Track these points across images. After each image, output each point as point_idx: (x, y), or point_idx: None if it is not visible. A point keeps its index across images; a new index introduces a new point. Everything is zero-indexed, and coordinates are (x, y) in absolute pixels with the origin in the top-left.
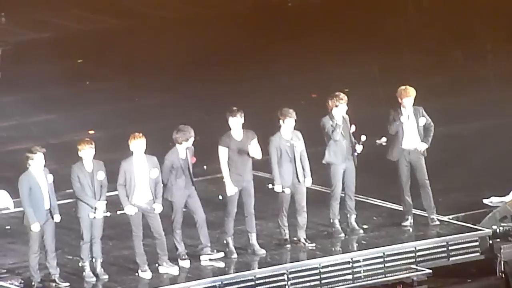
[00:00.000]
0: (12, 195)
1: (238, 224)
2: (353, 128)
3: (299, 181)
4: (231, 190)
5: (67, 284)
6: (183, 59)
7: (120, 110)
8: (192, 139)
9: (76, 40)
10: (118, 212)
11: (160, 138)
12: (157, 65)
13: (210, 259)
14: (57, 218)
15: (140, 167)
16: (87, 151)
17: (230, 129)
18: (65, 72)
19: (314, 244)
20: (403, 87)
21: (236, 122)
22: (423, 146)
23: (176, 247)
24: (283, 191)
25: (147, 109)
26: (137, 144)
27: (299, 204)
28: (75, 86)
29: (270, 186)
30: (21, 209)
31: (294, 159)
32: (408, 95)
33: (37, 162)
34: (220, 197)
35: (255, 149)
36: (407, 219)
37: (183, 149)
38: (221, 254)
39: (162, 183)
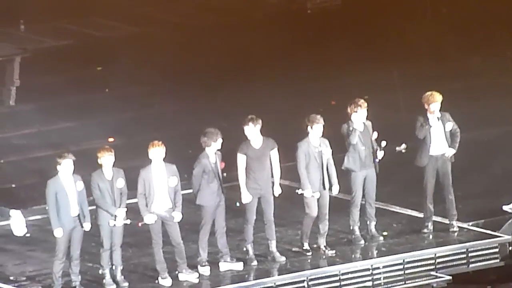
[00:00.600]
0: (32, 202)
1: (258, 231)
2: (375, 134)
3: (324, 188)
4: (246, 198)
5: None
6: (202, 66)
7: (140, 117)
8: (220, 141)
9: (95, 48)
10: (140, 224)
11: (179, 145)
12: (176, 72)
13: (228, 267)
14: (87, 226)
15: (159, 175)
16: (106, 159)
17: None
18: (84, 80)
19: (334, 251)
20: (429, 92)
21: (250, 131)
22: (451, 152)
23: (199, 253)
24: (312, 196)
25: (167, 116)
26: (156, 152)
27: (322, 211)
28: (95, 94)
29: (300, 191)
30: (40, 216)
31: (322, 165)
32: (434, 100)
33: (64, 168)
34: (237, 204)
35: (274, 158)
36: (427, 226)
37: (213, 152)
38: (240, 264)
39: (193, 189)
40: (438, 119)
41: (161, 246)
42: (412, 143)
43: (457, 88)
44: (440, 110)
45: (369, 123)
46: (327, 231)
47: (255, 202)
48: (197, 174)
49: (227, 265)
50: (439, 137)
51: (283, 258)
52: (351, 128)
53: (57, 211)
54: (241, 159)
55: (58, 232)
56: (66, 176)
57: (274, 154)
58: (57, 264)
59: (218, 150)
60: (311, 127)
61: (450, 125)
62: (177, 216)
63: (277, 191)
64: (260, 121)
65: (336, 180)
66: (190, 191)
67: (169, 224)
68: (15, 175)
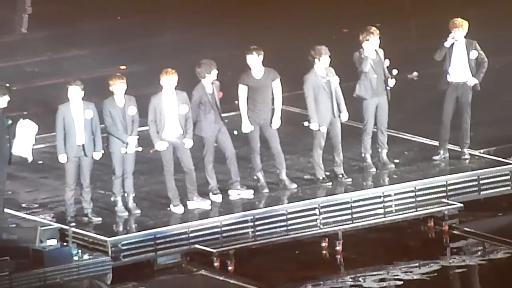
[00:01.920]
0: (44, 129)
1: (269, 159)
2: (387, 62)
3: (335, 117)
4: (246, 127)
5: (99, 218)
6: None
7: (151, 45)
8: (215, 71)
9: None
10: (151, 151)
11: (190, 74)
12: (188, 0)
13: (238, 194)
14: (96, 155)
15: (170, 103)
16: (118, 86)
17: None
18: (96, 8)
19: (350, 179)
20: (454, 18)
21: (253, 60)
22: (473, 81)
23: (208, 181)
24: (319, 129)
25: (178, 44)
26: (169, 79)
27: (335, 140)
28: (106, 22)
29: (306, 123)
30: (52, 144)
31: (331, 95)
32: (456, 26)
33: (71, 95)
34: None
35: (276, 90)
36: (440, 154)
37: (209, 83)
38: (251, 192)
39: (192, 119)
40: (456, 47)
41: (172, 173)
42: (433, 70)
43: (470, 16)
44: (466, 37)
45: (381, 51)
46: (342, 159)
47: (257, 130)
48: (193, 106)
49: (237, 193)
50: (462, 64)
51: (294, 186)
52: (363, 56)
53: (64, 137)
54: (242, 90)
55: (62, 158)
56: (74, 103)
57: (276, 84)
58: (67, 192)
59: (215, 80)
60: (319, 59)
61: (475, 53)
62: (188, 142)
63: (276, 124)
64: (262, 52)
65: (344, 107)
66: None
67: (181, 150)
68: (27, 103)
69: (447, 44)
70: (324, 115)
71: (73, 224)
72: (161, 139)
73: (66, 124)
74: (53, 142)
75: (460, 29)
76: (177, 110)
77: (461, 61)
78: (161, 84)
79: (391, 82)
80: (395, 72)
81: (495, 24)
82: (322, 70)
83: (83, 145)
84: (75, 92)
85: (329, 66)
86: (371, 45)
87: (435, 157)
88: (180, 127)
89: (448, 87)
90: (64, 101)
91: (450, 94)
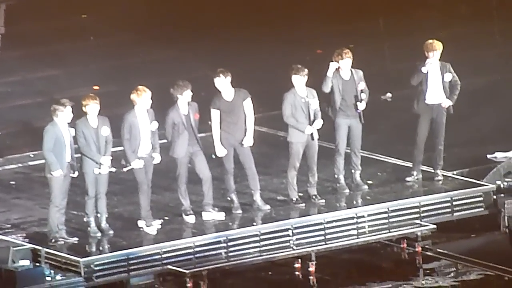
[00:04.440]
0: (16, 150)
1: (243, 179)
2: (361, 85)
3: (312, 139)
4: (220, 151)
5: (76, 238)
6: (188, 15)
7: (125, 65)
8: (188, 93)
9: None
10: (125, 169)
11: (164, 94)
12: (162, 20)
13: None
14: (76, 172)
15: (144, 120)
16: (92, 107)
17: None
18: (69, 27)
19: (324, 200)
20: (430, 41)
21: (220, 83)
22: (447, 103)
23: (181, 202)
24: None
25: (152, 64)
26: (145, 97)
27: (311, 161)
28: (80, 42)
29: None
30: (24, 164)
31: (309, 116)
32: (433, 49)
33: (66, 115)
34: (213, 155)
35: (247, 109)
36: (413, 175)
37: (183, 104)
38: (222, 214)
39: (166, 139)
40: (432, 71)
41: (146, 192)
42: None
43: (442, 37)
44: (441, 60)
45: (359, 72)
46: (316, 181)
47: (231, 152)
48: (167, 127)
49: (209, 215)
50: (436, 86)
51: (267, 207)
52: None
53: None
54: (214, 114)
55: (58, 173)
56: (64, 123)
57: (247, 104)
58: (54, 211)
59: (190, 101)
60: (292, 78)
61: (449, 76)
62: (157, 157)
63: (248, 142)
64: (229, 73)
65: (317, 124)
66: None
67: (148, 165)
68: (0, 123)
69: (424, 70)
70: (301, 135)
71: (61, 242)
72: (137, 157)
73: (57, 143)
74: (25, 162)
75: (436, 52)
76: (149, 127)
77: (435, 83)
78: (135, 102)
79: (361, 106)
80: (363, 95)
81: (468, 46)
82: (302, 89)
83: (69, 162)
84: (70, 112)
85: (306, 86)
86: (341, 66)
87: (408, 179)
88: (150, 143)
89: (425, 110)
90: (37, 122)
91: (424, 115)
